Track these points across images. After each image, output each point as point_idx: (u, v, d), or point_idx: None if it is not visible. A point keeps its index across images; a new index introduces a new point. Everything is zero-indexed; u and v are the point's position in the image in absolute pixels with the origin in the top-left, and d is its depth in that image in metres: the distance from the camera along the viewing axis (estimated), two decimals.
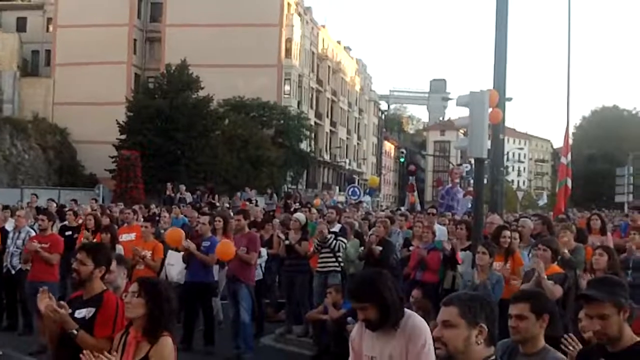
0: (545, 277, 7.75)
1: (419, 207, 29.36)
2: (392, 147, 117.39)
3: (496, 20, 13.81)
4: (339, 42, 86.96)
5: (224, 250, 10.86)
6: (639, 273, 10.44)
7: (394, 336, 4.33)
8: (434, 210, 15.16)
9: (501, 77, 13.57)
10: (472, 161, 19.70)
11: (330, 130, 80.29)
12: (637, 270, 10.79)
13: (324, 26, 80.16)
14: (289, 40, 64.35)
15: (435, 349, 3.62)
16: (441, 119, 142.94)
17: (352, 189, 35.19)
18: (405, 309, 4.43)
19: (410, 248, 12.06)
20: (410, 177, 38.47)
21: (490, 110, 11.05)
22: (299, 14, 68.13)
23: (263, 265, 12.98)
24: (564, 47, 35.05)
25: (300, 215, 13.17)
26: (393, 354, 4.34)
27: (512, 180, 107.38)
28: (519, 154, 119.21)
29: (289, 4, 65.62)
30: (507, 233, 9.66)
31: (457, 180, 25.04)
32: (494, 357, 3.54)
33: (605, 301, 3.98)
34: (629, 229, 12.96)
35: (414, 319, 4.41)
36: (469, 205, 20.00)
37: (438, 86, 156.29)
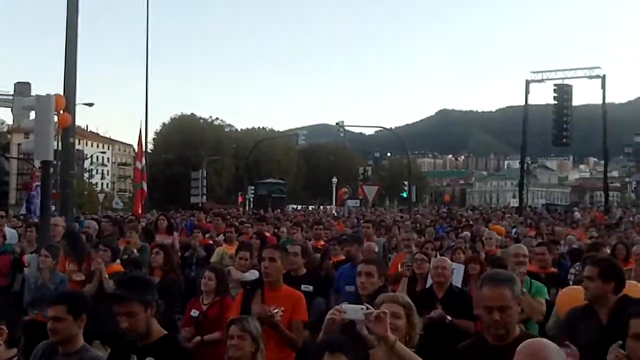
0: (107, 276, 7.81)
1: None
2: None
3: (66, 31, 13.42)
4: None
5: None
6: (203, 269, 11.04)
7: None
8: (4, 213, 14.26)
9: (72, 82, 13.21)
10: None
11: None
12: (200, 266, 11.47)
13: None
14: None
15: None
16: (26, 122, 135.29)
17: None
18: None
19: None
20: None
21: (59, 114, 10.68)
22: None
23: None
24: (143, 57, 35.70)
25: None
26: None
27: (97, 183, 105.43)
28: (103, 158, 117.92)
29: None
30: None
31: (38, 183, 23.92)
32: (16, 358, 3.50)
33: (132, 300, 4.06)
34: (194, 228, 13.65)
35: None
36: (54, 209, 19.21)
37: (22, 89, 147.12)
